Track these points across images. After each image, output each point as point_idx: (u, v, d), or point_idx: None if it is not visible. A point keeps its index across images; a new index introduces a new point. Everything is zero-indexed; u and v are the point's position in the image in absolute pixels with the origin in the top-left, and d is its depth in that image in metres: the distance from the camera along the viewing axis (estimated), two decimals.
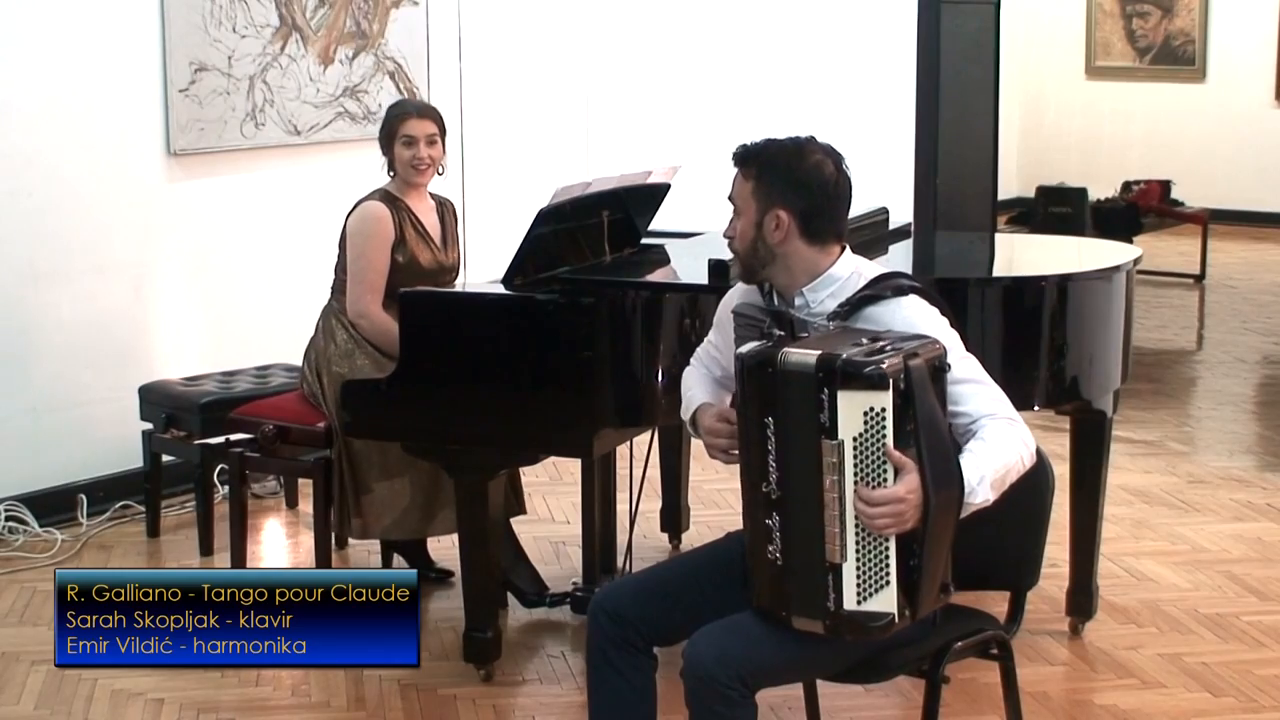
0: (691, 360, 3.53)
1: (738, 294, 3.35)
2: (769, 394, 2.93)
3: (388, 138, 4.75)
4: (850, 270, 3.20)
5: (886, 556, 2.90)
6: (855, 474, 2.86)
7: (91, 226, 5.64)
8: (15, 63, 5.42)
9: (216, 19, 5.85)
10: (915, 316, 3.10)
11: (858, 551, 2.89)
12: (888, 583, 2.90)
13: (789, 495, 2.93)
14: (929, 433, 2.89)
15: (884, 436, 2.85)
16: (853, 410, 2.84)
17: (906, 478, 2.86)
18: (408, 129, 4.72)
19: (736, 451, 3.12)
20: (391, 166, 4.76)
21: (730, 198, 3.24)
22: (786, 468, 2.93)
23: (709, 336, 3.50)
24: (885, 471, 2.86)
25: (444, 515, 4.60)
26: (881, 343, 2.92)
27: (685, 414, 3.40)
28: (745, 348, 3.01)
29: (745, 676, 2.94)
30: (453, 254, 4.86)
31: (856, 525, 2.88)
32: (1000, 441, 3.00)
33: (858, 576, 2.89)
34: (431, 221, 4.80)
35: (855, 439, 2.85)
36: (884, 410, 2.84)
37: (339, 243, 4.77)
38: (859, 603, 2.90)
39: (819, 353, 2.87)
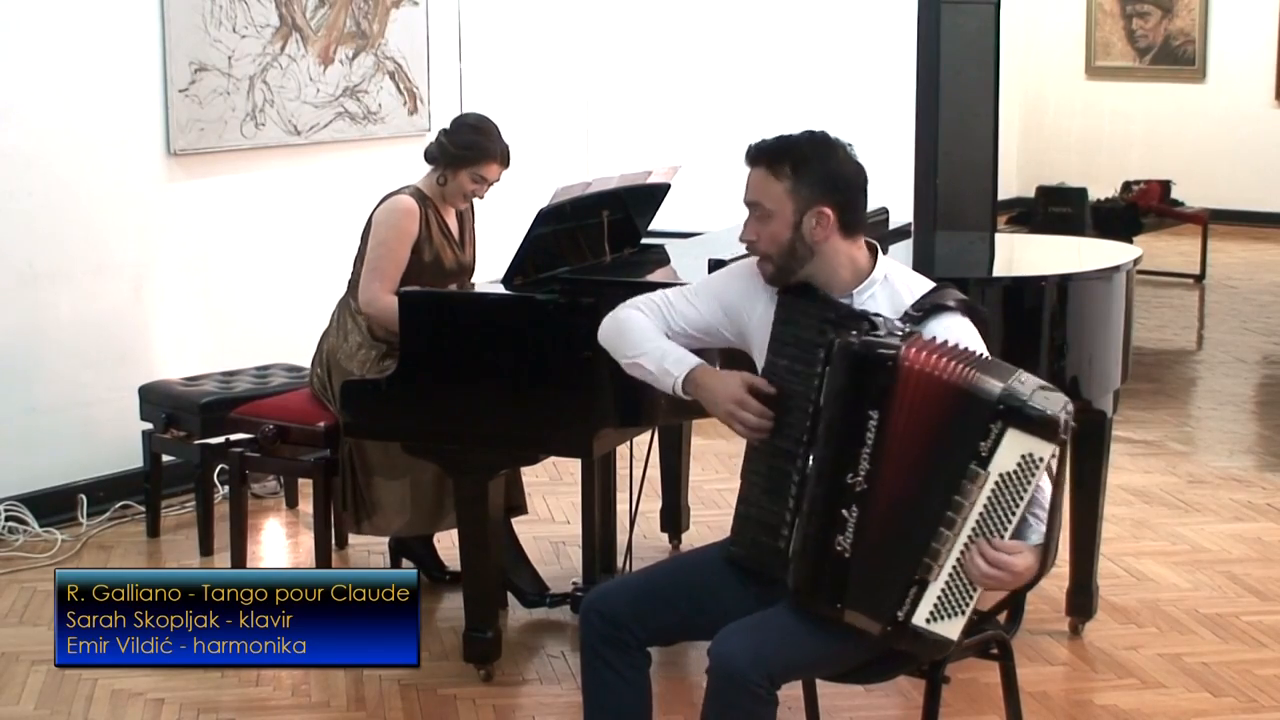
0: (638, 305, 3.36)
1: (756, 275, 3.23)
2: (880, 389, 2.88)
3: (463, 162, 4.65)
4: (884, 272, 3.19)
5: (973, 593, 2.91)
6: (985, 508, 2.85)
7: (91, 226, 5.64)
8: (15, 63, 5.42)
9: (216, 19, 5.85)
10: (968, 338, 3.09)
11: (950, 577, 2.89)
12: (963, 613, 2.92)
13: (877, 492, 2.91)
14: (1058, 497, 2.93)
15: (1030, 483, 2.85)
16: (1013, 450, 2.83)
17: (1025, 555, 2.88)
18: (488, 171, 4.68)
19: (763, 427, 3.08)
20: (442, 175, 4.71)
21: (752, 200, 3.14)
22: (886, 464, 2.90)
23: (685, 294, 3.34)
24: (1012, 517, 2.86)
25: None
26: (1043, 387, 2.89)
27: (675, 369, 3.22)
28: (857, 338, 2.94)
29: (774, 673, 2.94)
30: (470, 252, 4.88)
31: (962, 553, 2.88)
32: (1048, 495, 2.98)
33: (938, 599, 2.90)
34: (453, 222, 4.83)
35: (1002, 476, 2.85)
36: (1041, 460, 2.84)
37: (362, 235, 4.76)
38: (928, 622, 2.90)
39: (1002, 384, 2.85)
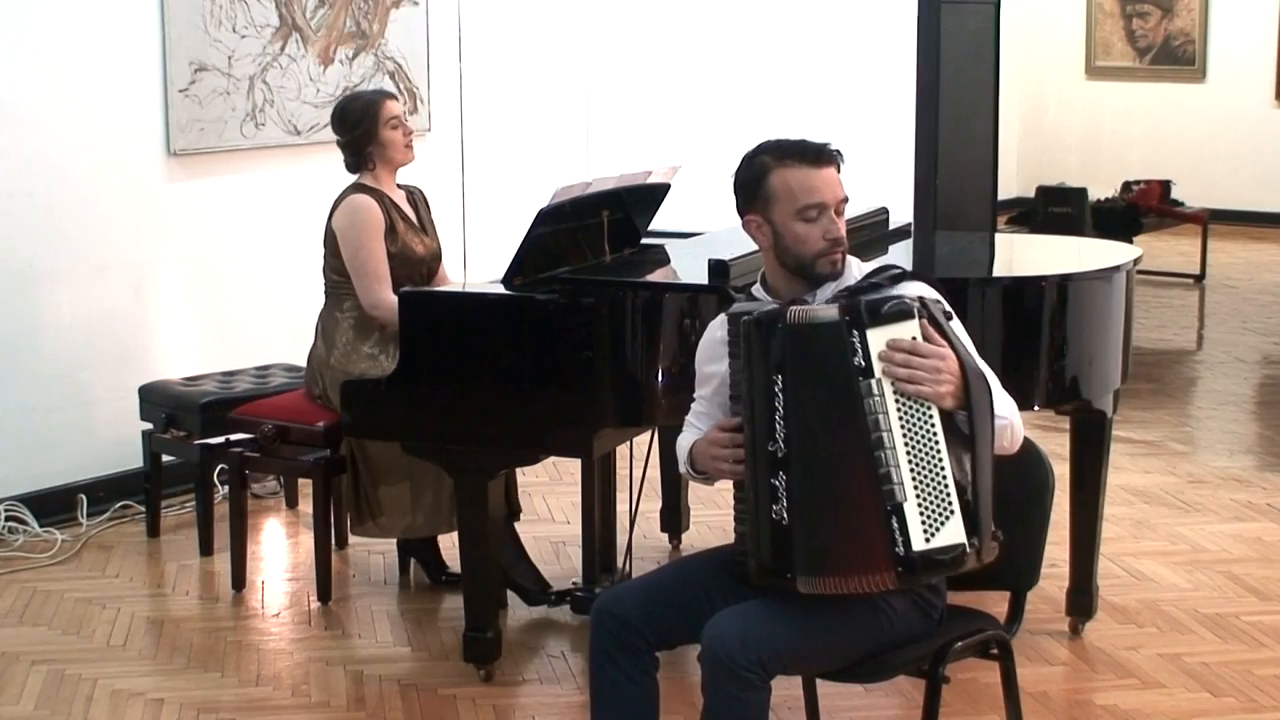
0: (683, 429, 3.46)
1: (716, 330, 3.29)
2: (777, 351, 2.95)
3: (369, 130, 4.73)
4: (860, 272, 3.23)
5: (946, 486, 2.90)
6: (898, 409, 2.89)
7: (91, 226, 5.64)
8: (16, 63, 5.42)
9: (216, 19, 5.85)
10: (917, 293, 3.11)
11: (917, 487, 2.89)
12: (953, 512, 2.90)
13: (797, 451, 2.95)
14: (959, 347, 2.97)
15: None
16: (881, 344, 2.90)
17: (945, 351, 2.94)
18: (391, 110, 4.77)
19: (739, 457, 3.09)
20: (367, 160, 4.76)
21: (843, 197, 3.19)
22: (796, 423, 2.94)
23: (695, 399, 3.42)
24: (926, 406, 2.89)
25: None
26: (884, 290, 3.02)
27: (686, 463, 3.33)
28: (742, 309, 3.04)
29: (764, 660, 2.94)
30: (434, 240, 4.89)
31: (911, 460, 2.89)
32: (1005, 397, 3.05)
33: (921, 513, 2.89)
34: (409, 210, 4.84)
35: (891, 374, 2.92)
36: (915, 339, 2.90)
37: (325, 244, 4.77)
38: (927, 540, 2.88)
39: (838, 303, 2.96)
